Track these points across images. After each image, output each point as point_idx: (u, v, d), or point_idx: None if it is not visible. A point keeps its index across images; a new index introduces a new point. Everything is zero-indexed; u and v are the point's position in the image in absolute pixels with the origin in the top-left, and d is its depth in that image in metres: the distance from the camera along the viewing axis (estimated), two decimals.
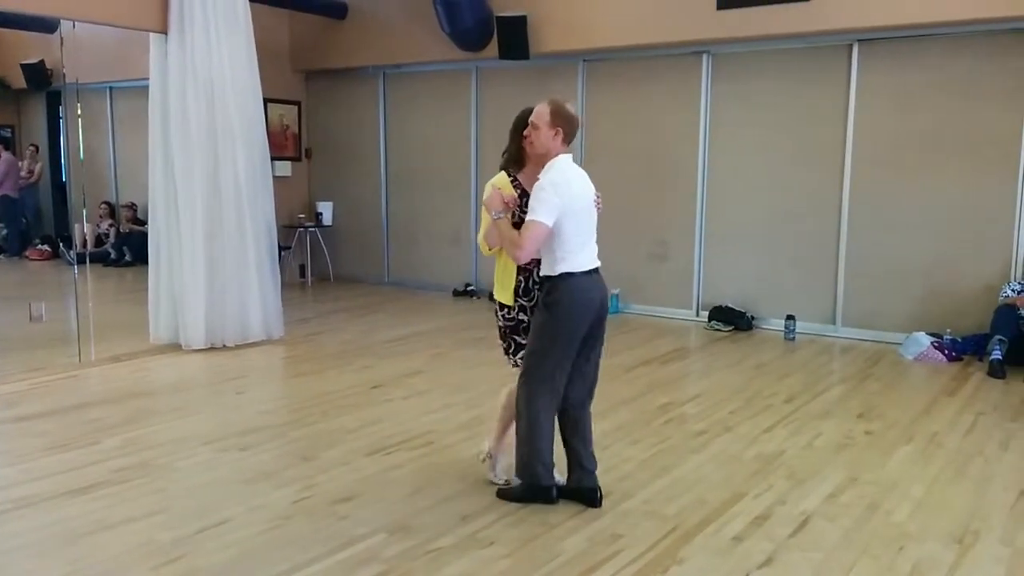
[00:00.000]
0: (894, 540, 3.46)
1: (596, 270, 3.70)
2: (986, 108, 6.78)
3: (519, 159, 3.75)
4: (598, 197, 3.78)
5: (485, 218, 3.69)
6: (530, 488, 3.75)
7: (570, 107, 3.63)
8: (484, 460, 4.05)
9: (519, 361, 3.77)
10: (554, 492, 3.75)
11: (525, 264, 3.67)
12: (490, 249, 3.77)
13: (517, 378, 3.74)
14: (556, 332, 3.60)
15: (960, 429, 4.94)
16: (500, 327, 3.85)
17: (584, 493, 3.77)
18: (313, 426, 4.93)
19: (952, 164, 6.95)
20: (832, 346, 7.25)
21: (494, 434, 4.02)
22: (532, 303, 3.73)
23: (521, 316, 3.77)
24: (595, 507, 3.73)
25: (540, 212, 3.49)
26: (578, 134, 3.83)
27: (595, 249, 3.72)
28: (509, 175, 3.78)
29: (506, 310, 3.79)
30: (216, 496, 3.89)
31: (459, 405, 5.27)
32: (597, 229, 3.76)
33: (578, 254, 3.61)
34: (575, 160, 3.75)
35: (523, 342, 3.76)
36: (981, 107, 6.80)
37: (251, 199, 6.88)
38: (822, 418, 5.14)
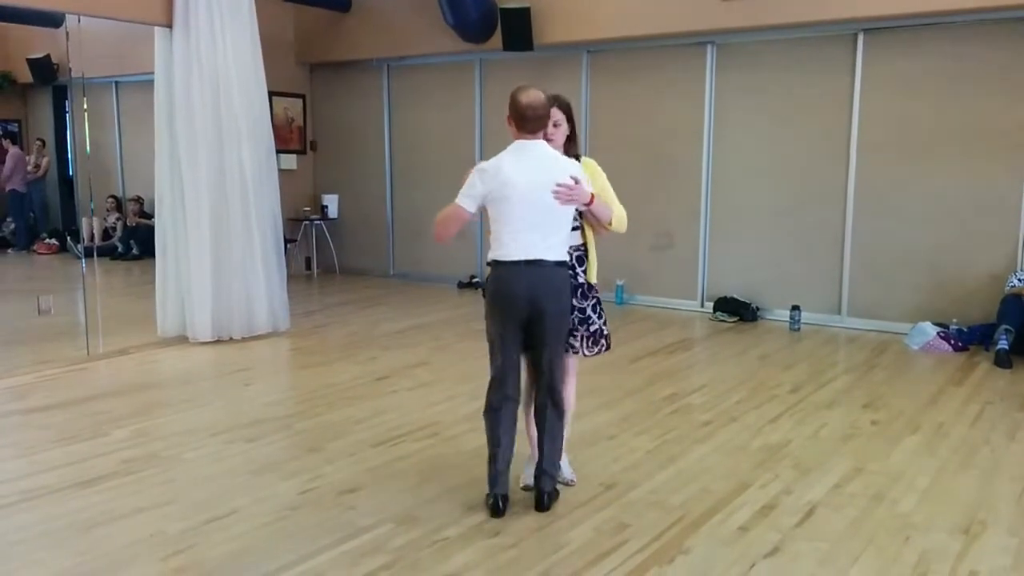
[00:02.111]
0: (900, 530, 3.46)
1: (538, 263, 3.45)
2: (992, 97, 6.75)
3: None
4: (563, 186, 3.42)
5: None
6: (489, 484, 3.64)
7: (522, 95, 3.44)
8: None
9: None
10: (496, 503, 3.55)
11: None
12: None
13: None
14: (491, 320, 3.58)
15: (966, 419, 4.93)
16: None
17: (536, 492, 3.63)
18: (319, 417, 4.95)
19: (958, 153, 6.92)
20: (837, 336, 7.24)
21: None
22: None
23: None
24: (539, 510, 3.57)
25: (460, 195, 3.51)
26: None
27: (537, 240, 3.45)
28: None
29: None
30: (223, 487, 3.90)
31: (464, 396, 5.28)
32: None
33: (507, 243, 3.47)
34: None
35: None
36: (987, 96, 6.77)
37: (257, 192, 6.89)
38: (828, 408, 5.14)
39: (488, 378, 3.63)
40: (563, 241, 3.54)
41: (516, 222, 3.46)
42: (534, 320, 3.51)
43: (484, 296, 3.63)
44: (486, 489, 3.62)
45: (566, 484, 3.83)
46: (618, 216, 3.66)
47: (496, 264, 3.53)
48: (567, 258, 3.58)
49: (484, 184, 3.47)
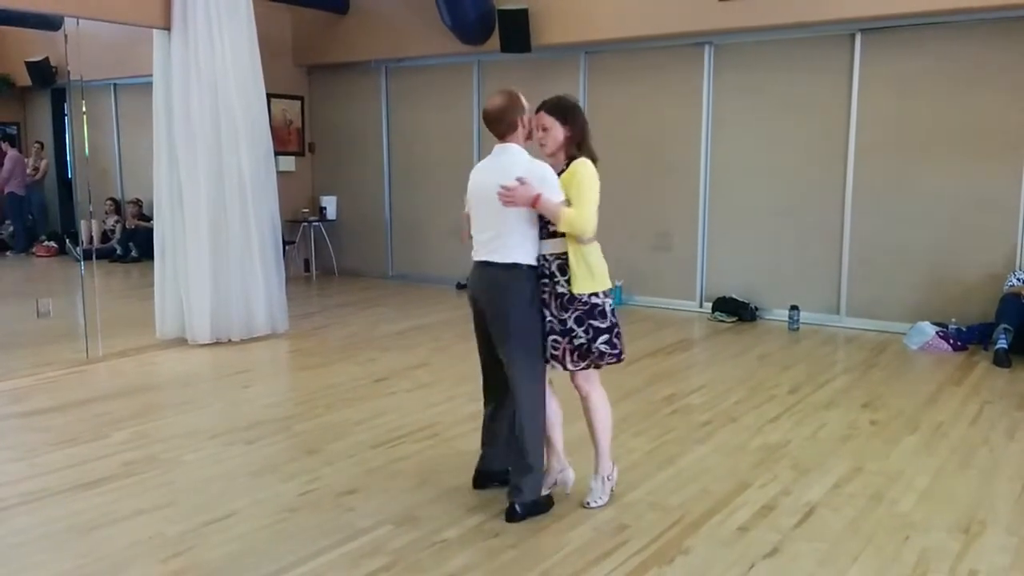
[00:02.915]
0: (899, 530, 3.46)
1: (485, 264, 3.54)
2: (990, 96, 6.76)
3: None
4: (503, 187, 3.42)
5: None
6: None
7: (487, 101, 3.65)
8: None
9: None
10: (476, 476, 3.88)
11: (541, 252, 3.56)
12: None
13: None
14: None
15: (965, 418, 4.93)
16: None
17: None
18: (318, 419, 4.95)
19: (956, 153, 6.93)
20: (836, 336, 7.24)
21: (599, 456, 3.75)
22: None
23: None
24: (509, 520, 3.53)
25: None
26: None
27: (489, 240, 3.53)
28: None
29: None
30: (223, 489, 3.91)
31: (463, 397, 5.28)
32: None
33: (474, 244, 3.63)
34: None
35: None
36: (985, 95, 6.78)
37: (255, 194, 6.89)
38: (826, 408, 5.14)
39: None
40: (518, 244, 3.49)
41: (476, 223, 3.62)
42: (480, 319, 3.63)
43: None
44: None
45: (585, 505, 3.68)
46: (567, 218, 3.39)
47: None
48: (527, 261, 3.50)
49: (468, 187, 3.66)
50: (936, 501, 3.75)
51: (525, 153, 3.54)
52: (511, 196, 3.40)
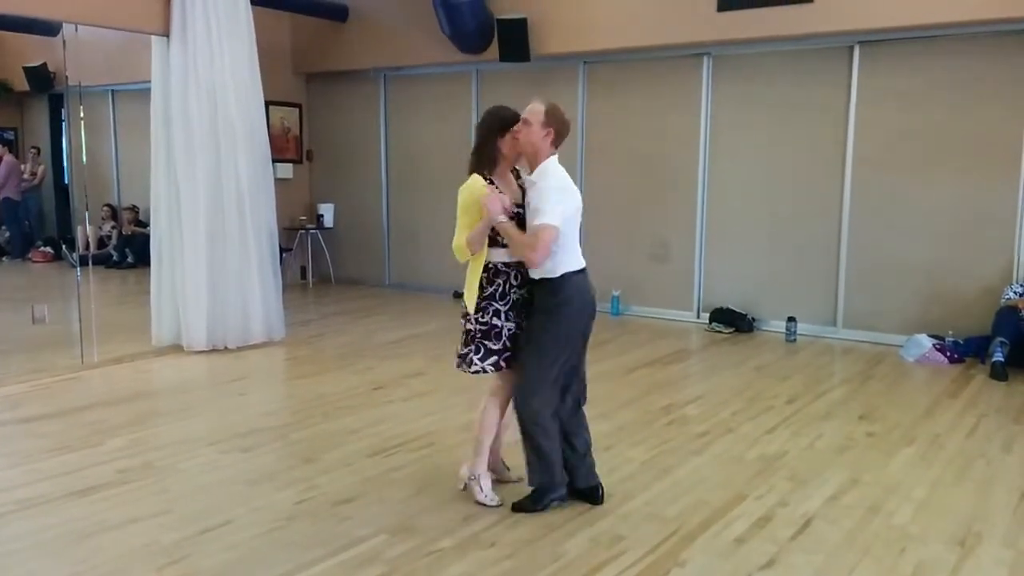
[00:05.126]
0: (896, 542, 3.46)
1: (585, 269, 3.71)
2: (988, 110, 6.79)
3: (494, 160, 3.64)
4: None
5: (463, 223, 3.56)
6: (545, 493, 3.73)
7: (564, 111, 3.63)
8: (468, 484, 3.86)
9: (488, 368, 3.66)
10: (565, 494, 3.78)
11: (503, 267, 3.63)
12: (471, 255, 3.61)
13: (504, 388, 3.76)
14: (565, 332, 3.60)
15: (962, 431, 4.94)
16: (469, 331, 3.68)
17: (588, 492, 3.81)
18: (315, 427, 4.94)
19: (954, 166, 6.96)
20: (833, 348, 7.25)
21: (479, 455, 3.82)
22: (508, 307, 3.65)
23: (495, 321, 3.63)
24: (598, 504, 3.78)
25: (552, 215, 3.45)
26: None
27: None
28: (486, 178, 3.63)
29: (478, 315, 3.65)
30: (219, 497, 3.90)
31: (460, 406, 5.27)
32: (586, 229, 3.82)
33: (574, 254, 3.63)
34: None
35: (495, 347, 3.64)
36: (983, 109, 6.81)
37: (253, 201, 6.89)
38: (823, 420, 5.15)
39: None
40: None
41: (576, 234, 3.73)
42: (592, 321, 3.79)
43: (559, 310, 3.63)
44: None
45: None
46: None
47: (572, 275, 3.65)
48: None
49: (565, 203, 3.61)
50: (933, 513, 3.75)
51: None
52: None
